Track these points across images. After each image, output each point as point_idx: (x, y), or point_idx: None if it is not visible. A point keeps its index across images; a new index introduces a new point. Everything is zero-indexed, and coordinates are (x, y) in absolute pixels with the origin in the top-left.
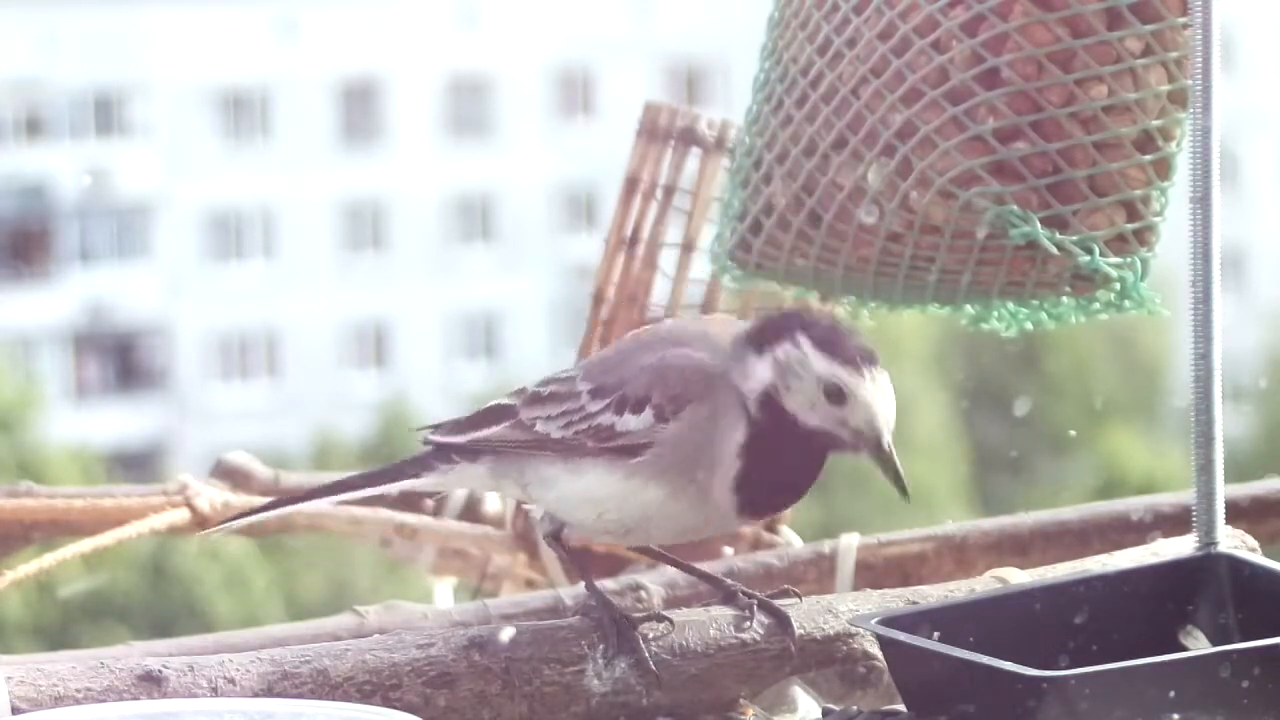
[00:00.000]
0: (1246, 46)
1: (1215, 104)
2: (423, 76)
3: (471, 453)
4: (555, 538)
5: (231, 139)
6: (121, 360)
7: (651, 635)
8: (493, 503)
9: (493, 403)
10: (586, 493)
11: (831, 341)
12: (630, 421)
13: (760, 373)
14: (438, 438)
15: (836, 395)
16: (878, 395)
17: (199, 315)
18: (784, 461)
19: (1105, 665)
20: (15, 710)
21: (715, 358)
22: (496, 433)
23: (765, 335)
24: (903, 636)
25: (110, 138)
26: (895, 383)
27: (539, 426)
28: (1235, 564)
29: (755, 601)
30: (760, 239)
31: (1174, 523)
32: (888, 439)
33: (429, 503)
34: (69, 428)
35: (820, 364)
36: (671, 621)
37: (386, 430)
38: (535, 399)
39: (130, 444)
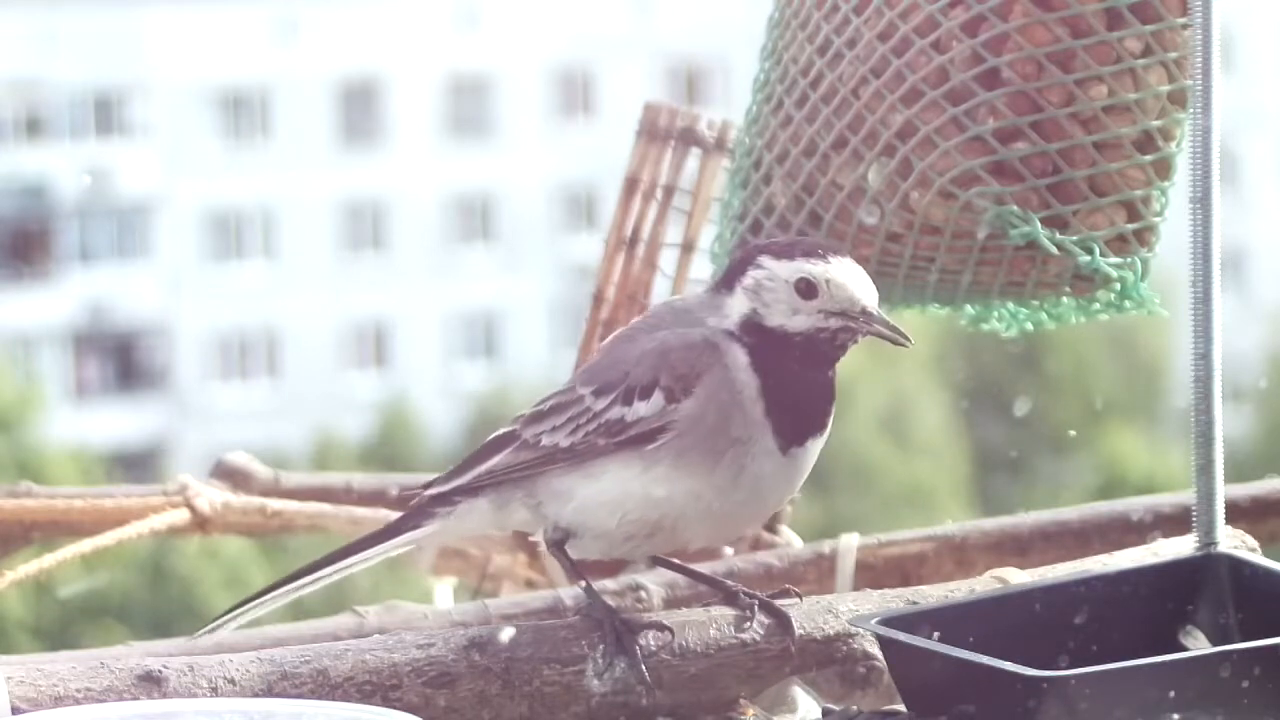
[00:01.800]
0: (1246, 46)
1: (1215, 104)
2: (423, 76)
3: (472, 490)
4: (559, 546)
5: (231, 139)
6: (121, 360)
7: (653, 645)
8: None
9: (488, 439)
10: (605, 494)
11: (790, 246)
12: (640, 408)
13: (737, 306)
14: (437, 489)
15: (807, 289)
16: (847, 274)
17: (199, 315)
18: (796, 381)
19: (1105, 665)
20: (15, 710)
21: (705, 327)
22: (500, 461)
23: (731, 274)
24: (903, 636)
25: (110, 138)
26: (895, 383)
27: (545, 440)
28: (1235, 564)
29: (756, 602)
30: (760, 239)
31: (1174, 523)
32: (870, 305)
33: None
34: (69, 428)
35: (784, 269)
36: (671, 630)
37: (386, 430)
38: (536, 417)
39: (130, 444)
